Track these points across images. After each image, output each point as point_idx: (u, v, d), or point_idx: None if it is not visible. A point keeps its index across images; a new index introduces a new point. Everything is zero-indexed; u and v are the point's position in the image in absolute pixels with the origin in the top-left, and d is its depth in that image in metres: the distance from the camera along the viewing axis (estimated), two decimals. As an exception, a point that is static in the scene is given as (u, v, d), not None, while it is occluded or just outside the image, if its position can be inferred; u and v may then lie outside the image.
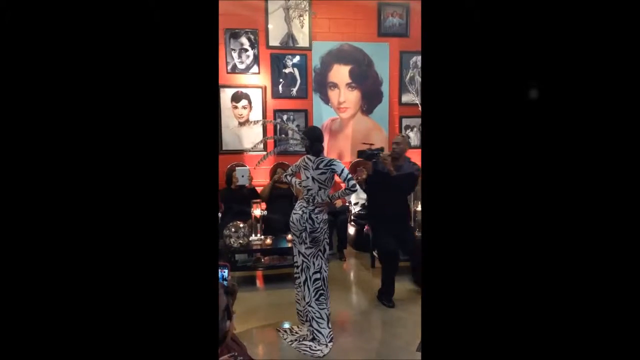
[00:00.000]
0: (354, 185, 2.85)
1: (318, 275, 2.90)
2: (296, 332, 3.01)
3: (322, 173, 2.85)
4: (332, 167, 2.85)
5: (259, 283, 4.19)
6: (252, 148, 3.33)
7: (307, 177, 2.90)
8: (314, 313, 2.87)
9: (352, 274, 4.52)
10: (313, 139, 2.91)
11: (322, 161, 2.86)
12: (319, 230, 2.86)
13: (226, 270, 1.68)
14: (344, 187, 2.87)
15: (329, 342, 2.84)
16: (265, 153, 3.29)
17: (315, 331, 2.86)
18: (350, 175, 2.87)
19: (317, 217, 2.85)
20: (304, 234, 2.87)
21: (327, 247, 2.98)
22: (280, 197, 4.86)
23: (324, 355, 2.74)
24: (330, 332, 2.89)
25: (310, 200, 2.89)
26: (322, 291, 2.90)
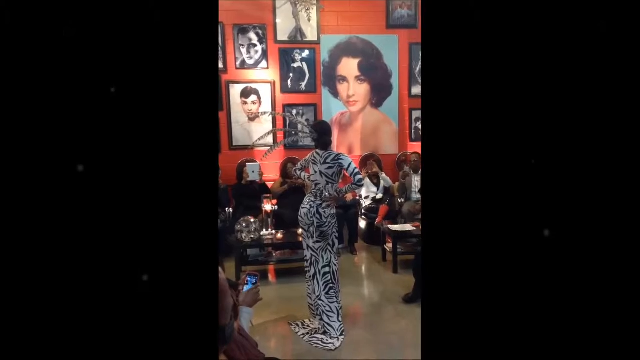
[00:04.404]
0: (360, 180, 2.85)
1: (327, 269, 2.91)
2: (308, 326, 3.03)
3: (329, 167, 2.86)
4: (339, 161, 2.85)
5: (270, 277, 4.22)
6: (258, 140, 3.33)
7: (315, 172, 2.91)
8: (324, 307, 2.89)
9: (363, 268, 4.52)
10: (320, 132, 2.92)
11: (330, 155, 2.87)
12: (326, 224, 2.87)
13: (255, 279, 1.70)
14: (351, 182, 2.88)
15: (340, 335, 2.86)
16: (272, 145, 3.30)
17: (326, 325, 2.87)
18: (357, 170, 2.87)
19: (324, 212, 2.86)
20: (311, 228, 2.88)
21: (337, 241, 2.99)
22: (291, 192, 4.88)
23: (336, 349, 2.76)
24: (341, 325, 2.90)
25: (318, 195, 2.90)
26: (331, 285, 2.91)
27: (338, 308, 2.92)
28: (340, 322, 2.91)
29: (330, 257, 2.92)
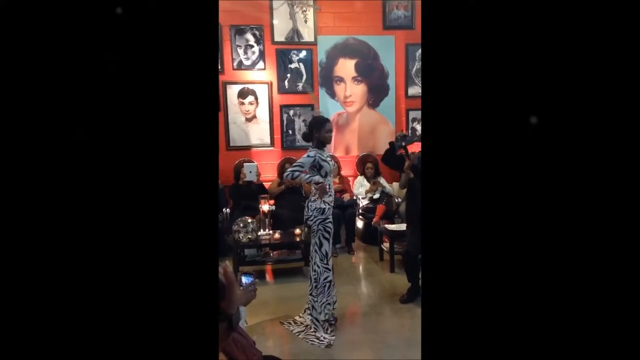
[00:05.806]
0: (284, 172, 2.93)
1: (315, 268, 2.96)
2: (300, 323, 3.06)
3: None
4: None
5: (268, 277, 4.23)
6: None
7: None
8: (313, 302, 2.98)
9: (360, 267, 4.54)
10: (308, 126, 3.06)
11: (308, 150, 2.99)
12: (311, 217, 2.92)
13: (251, 278, 1.73)
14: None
15: (329, 330, 2.91)
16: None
17: (314, 319, 2.95)
18: (291, 167, 2.90)
19: (310, 205, 2.95)
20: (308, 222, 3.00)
21: (325, 243, 2.92)
22: (288, 192, 4.88)
23: (332, 345, 2.78)
24: (324, 321, 2.94)
25: (312, 189, 3.02)
26: (315, 283, 2.96)
27: (320, 304, 2.95)
28: (325, 319, 2.94)
29: (315, 258, 2.93)
